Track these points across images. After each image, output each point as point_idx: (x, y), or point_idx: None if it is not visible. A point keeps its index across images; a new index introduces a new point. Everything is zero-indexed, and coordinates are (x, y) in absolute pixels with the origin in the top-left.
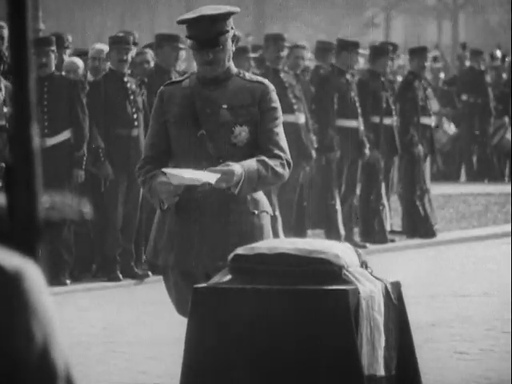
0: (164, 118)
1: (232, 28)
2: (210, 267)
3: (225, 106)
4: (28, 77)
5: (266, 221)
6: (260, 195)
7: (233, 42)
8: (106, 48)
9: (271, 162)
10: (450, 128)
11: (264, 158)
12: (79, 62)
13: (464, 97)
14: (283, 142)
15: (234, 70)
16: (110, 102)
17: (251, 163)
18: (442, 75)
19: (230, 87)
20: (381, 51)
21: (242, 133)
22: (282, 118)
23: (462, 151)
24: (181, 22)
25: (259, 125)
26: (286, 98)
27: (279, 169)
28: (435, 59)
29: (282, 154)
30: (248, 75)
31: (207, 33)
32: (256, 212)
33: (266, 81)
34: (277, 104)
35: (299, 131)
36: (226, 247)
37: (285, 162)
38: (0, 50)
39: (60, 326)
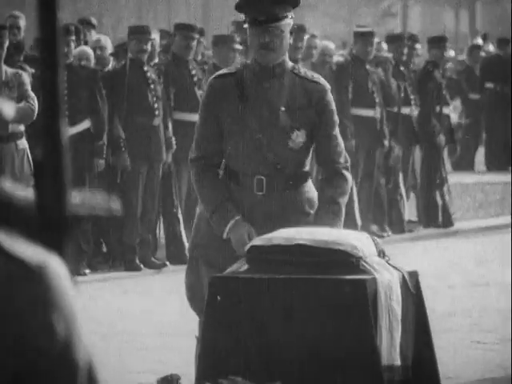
0: (216, 113)
1: (292, 18)
2: None
3: (283, 109)
4: (57, 72)
5: None
6: (314, 195)
7: (291, 34)
8: (103, 37)
9: (332, 189)
10: (455, 117)
11: (325, 193)
12: (89, 50)
13: (489, 84)
14: (341, 145)
15: (290, 63)
16: (132, 92)
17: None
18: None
19: (286, 85)
20: (397, 39)
21: (298, 137)
22: (338, 119)
23: (478, 140)
24: (240, 4)
25: (318, 128)
26: None
27: (342, 184)
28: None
29: (341, 160)
30: (303, 71)
31: (267, 12)
32: (312, 212)
33: (321, 80)
34: (333, 106)
35: None
36: None
37: (343, 167)
38: (18, 39)
39: (80, 318)
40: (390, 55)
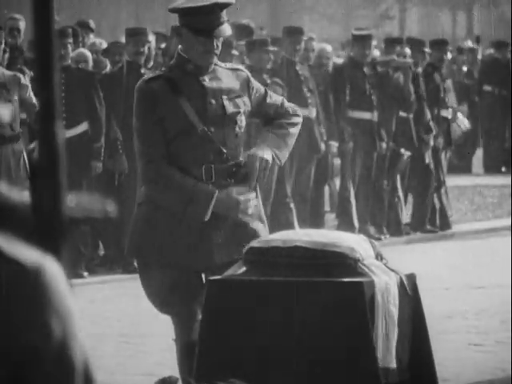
0: (158, 115)
1: (228, 19)
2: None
3: (225, 97)
4: (53, 74)
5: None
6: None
7: None
8: (100, 40)
9: (279, 121)
10: (464, 124)
11: (272, 125)
12: (87, 52)
13: (487, 88)
14: (284, 103)
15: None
16: (129, 94)
17: (265, 139)
18: (464, 68)
19: (220, 77)
20: (396, 42)
21: (242, 122)
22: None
23: (476, 143)
24: (189, 10)
25: (256, 107)
26: (301, 91)
27: (291, 117)
28: (460, 51)
29: (288, 110)
30: (223, 63)
31: (219, 21)
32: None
33: (241, 67)
34: (259, 84)
35: (312, 125)
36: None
37: (291, 112)
38: (18, 42)
39: (77, 320)
40: (410, 61)
